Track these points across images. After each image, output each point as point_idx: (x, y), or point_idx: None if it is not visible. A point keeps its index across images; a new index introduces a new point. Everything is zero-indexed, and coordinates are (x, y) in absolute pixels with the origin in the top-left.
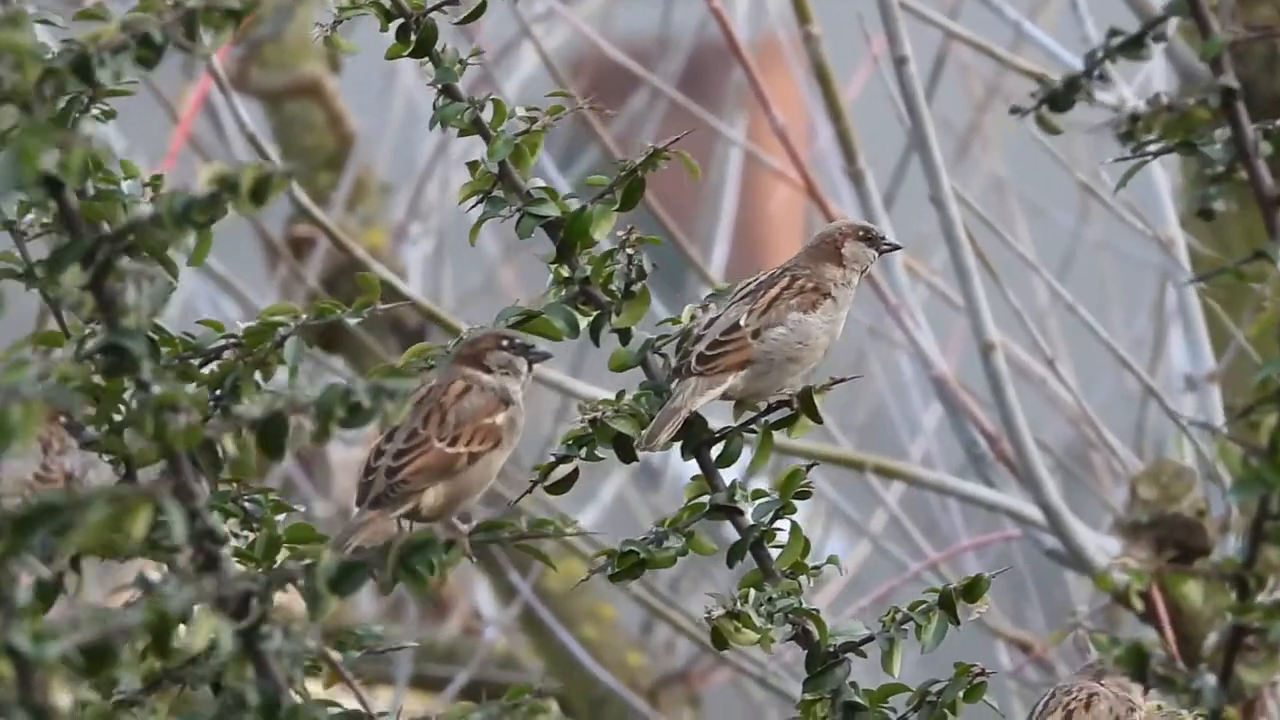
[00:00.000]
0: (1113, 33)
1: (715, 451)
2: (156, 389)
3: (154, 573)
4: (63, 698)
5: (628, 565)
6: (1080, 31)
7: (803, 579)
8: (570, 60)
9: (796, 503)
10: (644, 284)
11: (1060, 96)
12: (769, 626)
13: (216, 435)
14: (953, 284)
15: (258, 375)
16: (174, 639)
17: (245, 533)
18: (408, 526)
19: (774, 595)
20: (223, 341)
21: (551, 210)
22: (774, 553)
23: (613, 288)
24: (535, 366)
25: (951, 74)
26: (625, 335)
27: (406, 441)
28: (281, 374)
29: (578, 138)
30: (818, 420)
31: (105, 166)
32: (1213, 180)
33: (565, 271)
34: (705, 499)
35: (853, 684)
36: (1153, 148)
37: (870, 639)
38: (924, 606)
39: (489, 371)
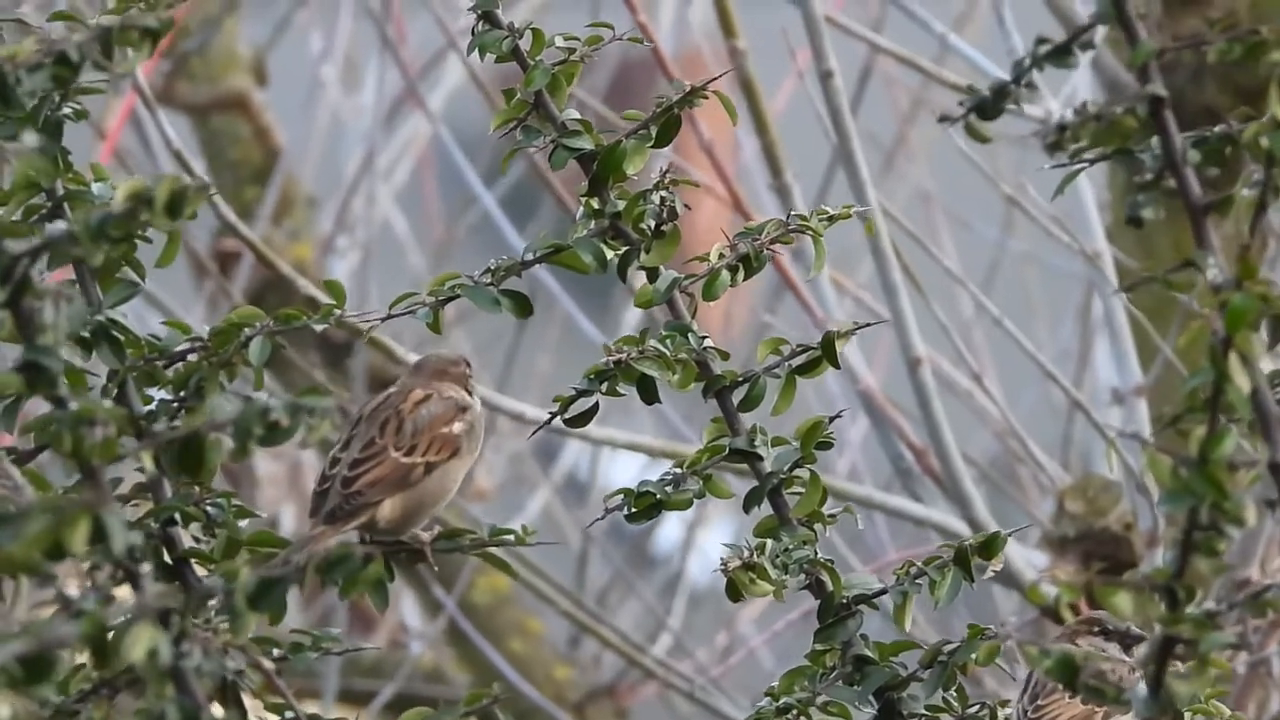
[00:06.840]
0: (1040, 41)
1: (737, 396)
2: (74, 405)
3: (72, 590)
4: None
5: (644, 506)
6: (1006, 44)
7: (818, 527)
8: (497, 73)
9: (725, 517)
10: (675, 224)
11: (989, 105)
12: (784, 578)
13: (133, 454)
14: (879, 297)
15: (222, 376)
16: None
17: (207, 538)
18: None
19: (790, 545)
20: (187, 345)
21: (586, 143)
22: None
23: (643, 226)
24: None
25: (877, 87)
26: (653, 274)
27: (363, 450)
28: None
29: (504, 149)
30: (836, 365)
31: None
32: (1141, 189)
33: (596, 206)
34: (725, 442)
35: (864, 637)
36: (1089, 154)
37: (884, 592)
38: (939, 562)
39: (470, 393)
